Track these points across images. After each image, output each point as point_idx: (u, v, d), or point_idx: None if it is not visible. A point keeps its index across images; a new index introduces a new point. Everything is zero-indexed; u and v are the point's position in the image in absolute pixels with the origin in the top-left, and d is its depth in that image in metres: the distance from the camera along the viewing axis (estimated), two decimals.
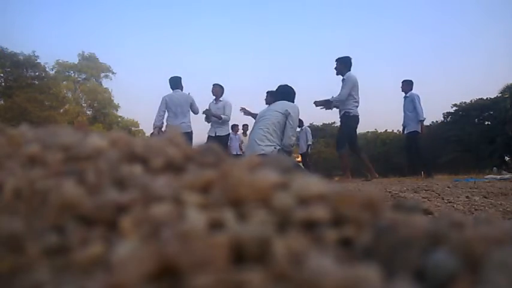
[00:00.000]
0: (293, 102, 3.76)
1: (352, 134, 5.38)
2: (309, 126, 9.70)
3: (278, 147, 3.46)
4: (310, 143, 9.51)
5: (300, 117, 4.24)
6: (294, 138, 3.63)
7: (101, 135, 0.41)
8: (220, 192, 0.30)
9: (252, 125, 3.92)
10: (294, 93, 3.84)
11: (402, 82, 6.27)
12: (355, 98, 5.24)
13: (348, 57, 5.41)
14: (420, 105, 6.04)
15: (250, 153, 3.31)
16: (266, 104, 5.67)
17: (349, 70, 5.32)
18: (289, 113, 3.52)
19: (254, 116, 5.70)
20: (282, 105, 3.61)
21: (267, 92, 5.69)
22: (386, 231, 0.27)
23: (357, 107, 5.30)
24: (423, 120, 6.09)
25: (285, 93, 3.78)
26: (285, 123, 3.52)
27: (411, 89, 6.23)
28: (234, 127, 9.55)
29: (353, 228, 0.29)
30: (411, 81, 6.27)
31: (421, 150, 6.24)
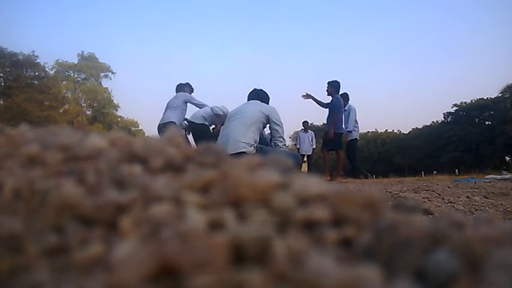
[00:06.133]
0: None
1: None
2: (311, 129, 9.78)
3: (257, 146, 3.41)
4: (315, 146, 9.66)
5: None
6: (282, 140, 3.57)
7: (101, 135, 0.41)
8: (220, 192, 0.30)
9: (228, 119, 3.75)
10: (268, 98, 3.83)
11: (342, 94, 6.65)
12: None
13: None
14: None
15: (230, 148, 3.18)
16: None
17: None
18: (272, 118, 3.47)
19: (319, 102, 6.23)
20: (263, 107, 3.54)
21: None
22: (386, 231, 0.27)
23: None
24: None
25: (261, 97, 3.72)
26: (264, 124, 3.49)
27: (348, 100, 6.80)
28: (305, 123, 9.30)
29: (353, 228, 0.29)
30: (346, 94, 6.80)
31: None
